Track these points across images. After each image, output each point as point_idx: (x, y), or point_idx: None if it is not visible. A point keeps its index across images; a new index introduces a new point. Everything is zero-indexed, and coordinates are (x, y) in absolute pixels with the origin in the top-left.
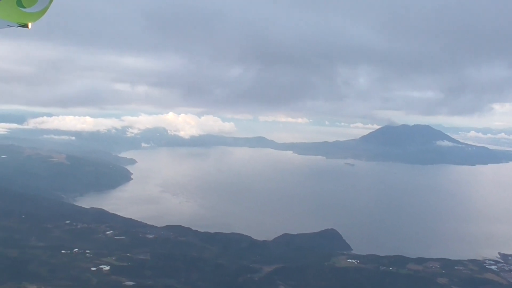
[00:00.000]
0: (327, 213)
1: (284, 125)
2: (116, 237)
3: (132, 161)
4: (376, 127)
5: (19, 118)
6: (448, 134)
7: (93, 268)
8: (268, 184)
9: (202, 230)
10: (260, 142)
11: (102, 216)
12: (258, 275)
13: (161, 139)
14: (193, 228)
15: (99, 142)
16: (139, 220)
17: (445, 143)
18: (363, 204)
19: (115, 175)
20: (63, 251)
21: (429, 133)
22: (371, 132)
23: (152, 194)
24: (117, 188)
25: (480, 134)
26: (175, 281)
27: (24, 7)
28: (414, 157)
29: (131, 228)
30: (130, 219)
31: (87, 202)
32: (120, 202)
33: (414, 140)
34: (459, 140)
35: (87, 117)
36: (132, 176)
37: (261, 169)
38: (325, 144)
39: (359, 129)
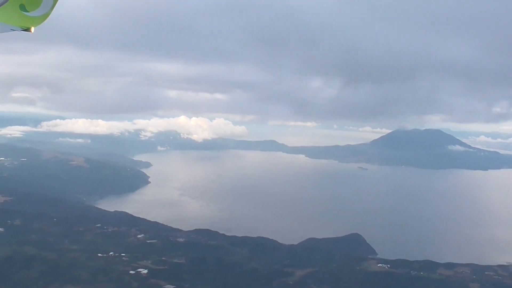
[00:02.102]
0: (348, 217)
1: (293, 128)
2: (148, 241)
3: (148, 164)
4: (385, 131)
5: (33, 121)
6: (458, 138)
7: (131, 272)
8: (285, 188)
9: (229, 234)
10: (271, 145)
11: (129, 219)
12: (292, 279)
13: (175, 142)
14: (220, 232)
15: (113, 145)
16: (164, 223)
17: (457, 147)
18: (382, 208)
19: (133, 178)
20: (99, 254)
21: (441, 138)
22: (382, 136)
23: (171, 198)
24: (136, 191)
25: (489, 139)
26: (212, 285)
27: (27, 11)
28: (427, 162)
29: (161, 232)
30: (156, 223)
31: (108, 205)
32: (142, 205)
33: (426, 144)
34: (470, 144)
35: (100, 120)
36: (149, 180)
37: (276, 172)
38: (336, 148)
39: (368, 133)
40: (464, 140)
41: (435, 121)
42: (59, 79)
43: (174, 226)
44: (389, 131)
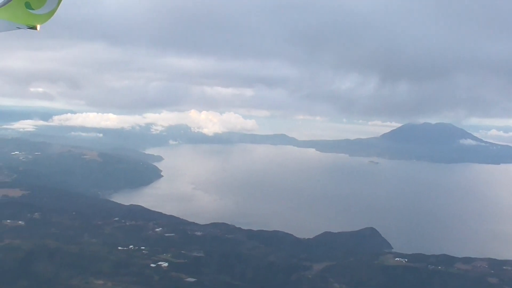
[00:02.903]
0: (362, 211)
1: (302, 122)
2: (166, 234)
3: (159, 158)
4: (395, 124)
5: (44, 115)
6: (470, 132)
7: (152, 265)
8: (297, 182)
9: (245, 228)
10: (281, 139)
11: (145, 213)
12: (310, 272)
13: (186, 136)
14: (236, 226)
15: (124, 139)
16: (180, 217)
17: (468, 141)
18: (395, 202)
19: (146, 172)
20: (119, 248)
21: (452, 132)
22: (392, 130)
23: (185, 192)
24: (150, 185)
25: (501, 133)
26: (231, 278)
27: (33, 9)
28: (438, 156)
29: (178, 226)
30: (172, 216)
31: (123, 198)
32: (156, 199)
33: (437, 138)
34: (481, 138)
35: (110, 114)
36: (162, 173)
37: (287, 166)
38: (346, 142)
39: (378, 127)
40: (475, 134)
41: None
42: (78, 74)
43: (190, 220)
44: (399, 124)
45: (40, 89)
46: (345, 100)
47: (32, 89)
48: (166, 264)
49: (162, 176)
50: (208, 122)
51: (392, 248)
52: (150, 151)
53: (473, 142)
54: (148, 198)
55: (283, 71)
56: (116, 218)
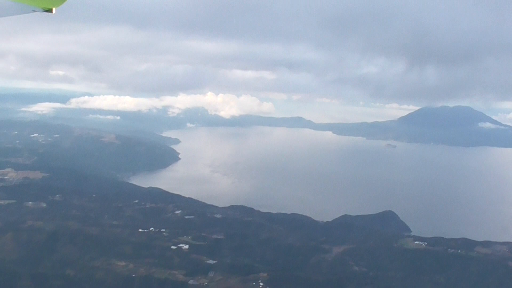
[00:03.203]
0: (380, 194)
1: (319, 105)
2: (185, 217)
3: (176, 141)
4: (413, 107)
5: (62, 98)
6: (488, 115)
7: (173, 247)
8: (314, 165)
9: (264, 211)
10: (298, 122)
11: (164, 196)
12: (330, 255)
13: (203, 119)
14: (255, 209)
15: (141, 121)
16: (199, 199)
17: (487, 125)
18: (413, 185)
19: (164, 155)
20: (140, 230)
21: (471, 115)
22: (410, 113)
23: (203, 174)
24: (167, 168)
25: None
26: (251, 260)
27: None
28: (456, 139)
29: (197, 208)
30: (191, 199)
31: (141, 181)
32: (174, 182)
33: (455, 121)
34: (500, 122)
35: (128, 97)
36: (179, 156)
37: (304, 149)
38: (364, 125)
39: (395, 110)
40: (494, 117)
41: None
42: (98, 57)
43: (209, 202)
44: (416, 108)
45: (61, 72)
46: (372, 84)
47: (52, 72)
48: (186, 246)
49: (180, 159)
50: (225, 105)
51: (411, 231)
52: (167, 133)
53: (492, 125)
54: (167, 180)
55: (308, 55)
56: (136, 201)
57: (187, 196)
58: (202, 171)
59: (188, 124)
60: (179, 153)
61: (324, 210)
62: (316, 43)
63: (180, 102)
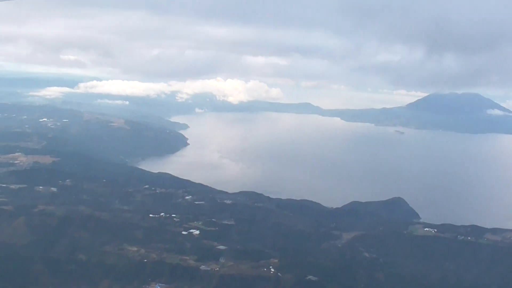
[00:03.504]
0: (389, 181)
1: (327, 91)
2: (196, 202)
3: (185, 126)
4: (421, 94)
5: (70, 82)
6: (497, 102)
7: (184, 232)
8: (323, 151)
9: (274, 197)
10: (306, 108)
11: (174, 181)
12: (340, 242)
13: (211, 104)
14: (265, 194)
15: (150, 106)
16: (208, 185)
17: (496, 111)
18: (422, 172)
19: (172, 140)
20: (151, 215)
21: (479, 102)
22: (418, 100)
23: (212, 160)
24: (176, 153)
25: None
26: (262, 246)
27: None
28: (464, 126)
29: (207, 194)
30: (200, 184)
31: (150, 166)
32: (183, 167)
33: (463, 108)
34: (509, 109)
35: (136, 82)
36: (188, 141)
37: (312, 135)
38: (372, 111)
39: (403, 96)
40: (502, 104)
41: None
42: (110, 42)
43: (218, 188)
44: (424, 94)
45: (72, 57)
46: (391, 72)
47: (63, 57)
48: (197, 232)
49: (188, 144)
50: (233, 90)
51: (420, 218)
52: (175, 119)
53: (500, 112)
54: (176, 166)
55: (325, 42)
56: (146, 186)
57: (196, 181)
58: (210, 157)
59: (197, 110)
60: (187, 139)
61: (333, 197)
62: (333, 30)
63: (188, 87)
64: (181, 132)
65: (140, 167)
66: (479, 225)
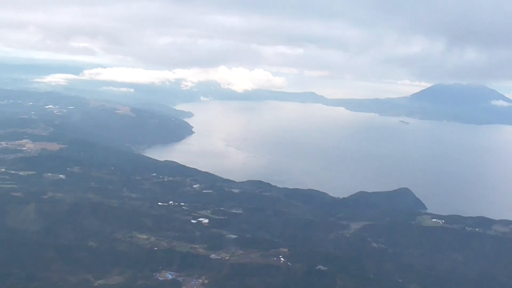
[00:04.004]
0: (395, 171)
1: (331, 80)
2: (204, 191)
3: (190, 114)
4: (425, 84)
5: (75, 69)
6: (501, 93)
7: (193, 221)
8: (328, 141)
9: (280, 186)
10: (310, 97)
11: (181, 169)
12: (348, 231)
13: (216, 93)
14: (272, 184)
15: (155, 94)
16: (215, 174)
17: (500, 102)
18: (428, 163)
19: (178, 128)
20: (159, 203)
21: (483, 92)
22: (422, 90)
23: (217, 148)
24: (182, 141)
25: None
26: (271, 235)
27: None
28: (469, 117)
29: (215, 182)
30: (207, 173)
31: (156, 154)
32: (190, 156)
33: (468, 99)
34: None
35: (140, 69)
36: (193, 130)
37: (317, 124)
38: (376, 101)
39: (407, 86)
40: (507, 95)
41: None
42: (121, 30)
43: (225, 176)
44: (428, 84)
45: (82, 44)
46: (411, 63)
47: (73, 44)
48: (206, 221)
49: (194, 132)
50: (237, 78)
51: (427, 209)
52: (180, 106)
53: (505, 103)
54: (182, 154)
55: (345, 32)
56: (154, 174)
57: (203, 170)
58: (216, 145)
59: (202, 98)
60: (192, 127)
61: (339, 186)
62: (354, 21)
63: (192, 75)
64: (186, 120)
65: (145, 154)
66: (486, 216)
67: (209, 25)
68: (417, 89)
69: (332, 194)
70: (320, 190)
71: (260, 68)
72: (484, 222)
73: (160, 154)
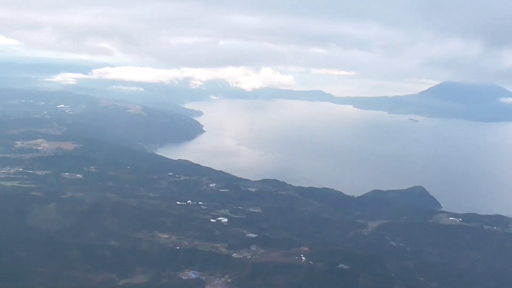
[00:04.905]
0: (407, 169)
1: (338, 78)
2: (220, 190)
3: (199, 113)
4: (432, 82)
5: (84, 68)
6: (510, 91)
7: (212, 220)
8: (337, 139)
9: (294, 184)
10: (318, 95)
11: (195, 169)
12: (366, 230)
13: (225, 91)
14: (287, 182)
15: (164, 93)
16: (229, 172)
17: (509, 100)
18: (440, 161)
19: (189, 127)
20: (178, 202)
21: (491, 90)
22: (430, 87)
23: (229, 147)
24: (193, 140)
25: None
26: (290, 234)
27: None
28: (478, 114)
29: (231, 181)
30: (221, 172)
31: (169, 153)
32: (202, 154)
33: (476, 96)
34: None
35: (149, 68)
36: (204, 128)
37: (326, 123)
38: (384, 99)
39: (414, 84)
40: None
41: None
42: (138, 30)
43: (239, 175)
44: (436, 82)
45: (99, 44)
46: (447, 65)
47: (89, 44)
48: (225, 220)
49: (204, 131)
50: (245, 77)
51: (441, 207)
52: (189, 105)
53: None
54: (194, 153)
55: (380, 33)
56: (170, 173)
57: (217, 169)
58: (227, 144)
59: (212, 96)
60: (203, 125)
61: (352, 185)
62: (388, 22)
63: (201, 73)
64: (196, 119)
65: (158, 153)
66: (503, 214)
67: (230, 25)
68: (424, 87)
69: (346, 192)
70: (336, 189)
71: (286, 68)
72: (502, 220)
73: (172, 153)
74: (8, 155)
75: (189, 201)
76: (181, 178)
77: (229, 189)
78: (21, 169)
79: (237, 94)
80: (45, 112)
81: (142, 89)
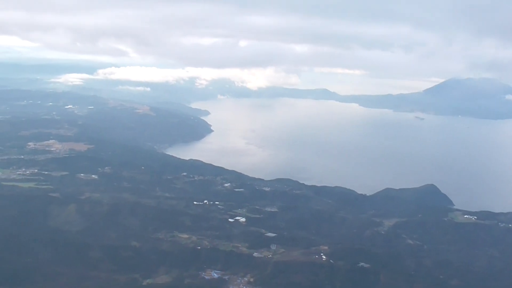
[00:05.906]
0: (418, 167)
1: (343, 76)
2: (235, 190)
3: (206, 112)
4: (436, 79)
5: (89, 69)
6: None
7: (230, 220)
8: (345, 137)
9: (307, 183)
10: (323, 94)
11: (208, 168)
12: (382, 229)
13: (231, 90)
14: (300, 181)
15: (170, 92)
16: (242, 172)
17: None
18: (449, 159)
19: (197, 127)
20: (195, 202)
21: (497, 87)
22: (435, 85)
23: (239, 146)
24: (202, 139)
25: None
26: (308, 233)
27: None
28: (484, 112)
29: (245, 181)
30: (234, 171)
31: (179, 153)
32: (212, 154)
33: (481, 94)
34: None
35: (154, 68)
36: (212, 128)
37: (333, 121)
38: (389, 97)
39: (419, 82)
40: None
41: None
42: (151, 31)
43: (251, 175)
44: (441, 79)
45: (112, 45)
46: (482, 66)
47: (100, 45)
48: (243, 219)
49: (212, 130)
50: (251, 76)
51: (454, 205)
52: (195, 105)
53: None
54: (204, 152)
55: (413, 35)
56: (184, 173)
57: (230, 168)
58: (237, 143)
59: (219, 96)
60: (211, 125)
61: (363, 183)
62: (419, 24)
63: (206, 73)
64: (203, 118)
65: (168, 153)
66: None
67: (250, 26)
68: (429, 85)
69: (358, 191)
70: (348, 187)
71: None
72: None
73: (183, 153)
74: (22, 157)
75: (205, 201)
76: (196, 178)
77: (244, 188)
78: (36, 170)
79: (243, 93)
80: (54, 113)
81: (148, 89)
